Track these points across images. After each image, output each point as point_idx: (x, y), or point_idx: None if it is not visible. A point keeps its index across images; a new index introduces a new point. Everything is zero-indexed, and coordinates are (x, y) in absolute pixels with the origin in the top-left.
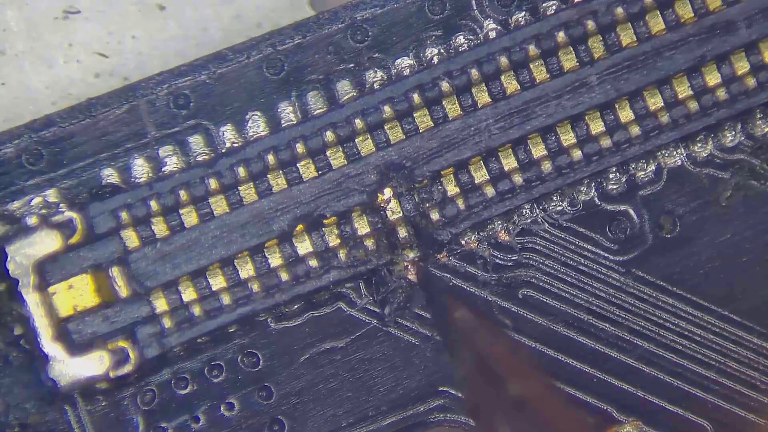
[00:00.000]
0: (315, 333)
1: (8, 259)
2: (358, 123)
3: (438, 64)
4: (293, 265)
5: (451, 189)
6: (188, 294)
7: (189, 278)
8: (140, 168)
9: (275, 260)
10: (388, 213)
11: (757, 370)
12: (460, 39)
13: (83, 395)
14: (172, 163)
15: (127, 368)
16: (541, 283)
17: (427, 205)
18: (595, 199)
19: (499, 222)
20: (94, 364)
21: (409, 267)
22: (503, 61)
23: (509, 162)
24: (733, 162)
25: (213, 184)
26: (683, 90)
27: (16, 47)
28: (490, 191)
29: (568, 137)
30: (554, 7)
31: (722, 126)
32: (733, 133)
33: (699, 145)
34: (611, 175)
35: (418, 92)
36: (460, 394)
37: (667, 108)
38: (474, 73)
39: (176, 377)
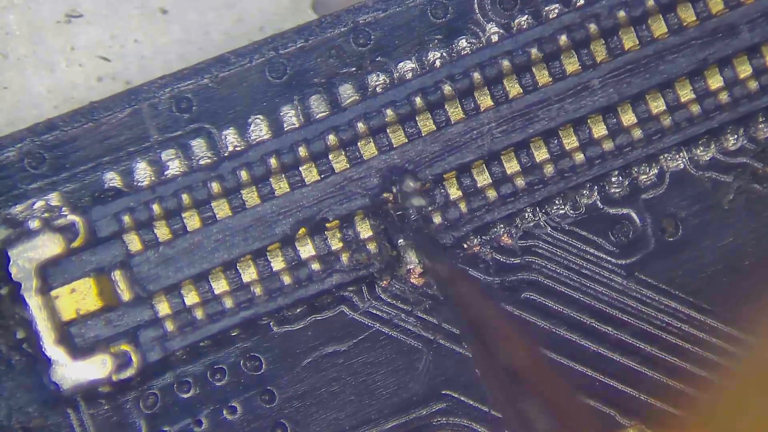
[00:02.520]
0: (317, 337)
1: (11, 262)
2: (361, 126)
3: (440, 67)
4: (296, 268)
5: (454, 192)
6: (191, 298)
7: (191, 282)
8: (143, 172)
9: (278, 264)
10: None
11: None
12: (463, 42)
13: (86, 399)
14: (175, 166)
15: (129, 372)
16: (543, 287)
17: (430, 208)
18: (598, 202)
19: (502, 225)
20: (96, 368)
21: (412, 270)
22: (505, 64)
23: (511, 165)
24: (735, 165)
25: (215, 187)
26: (686, 93)
27: (18, 51)
28: (492, 195)
29: (570, 141)
30: (557, 11)
31: (725, 129)
32: (736, 136)
33: (701, 148)
34: (614, 179)
35: (420, 96)
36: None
37: (669, 111)
38: (476, 76)
39: (179, 381)
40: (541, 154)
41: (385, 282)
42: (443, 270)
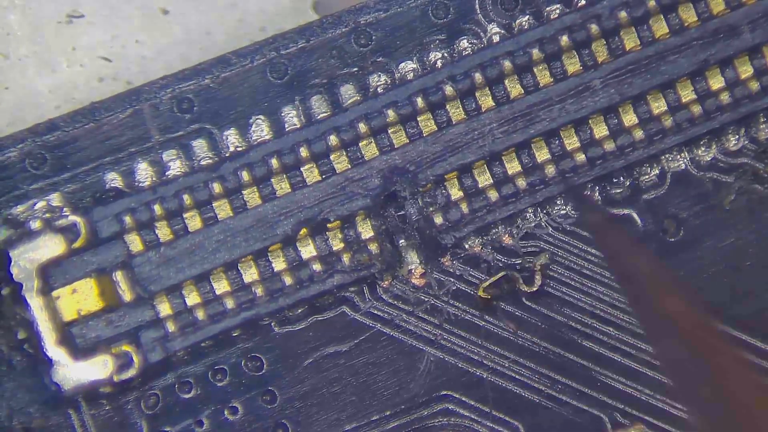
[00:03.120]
0: (319, 337)
1: (12, 263)
2: (362, 127)
3: (441, 68)
4: (297, 269)
5: (455, 193)
6: (192, 298)
7: (193, 282)
8: (144, 172)
9: (279, 264)
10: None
11: (762, 373)
12: (464, 43)
13: (87, 399)
14: (176, 167)
15: (130, 372)
16: (545, 287)
17: (431, 209)
18: (599, 203)
19: (503, 226)
20: (97, 369)
21: (414, 271)
22: (507, 65)
23: (513, 166)
24: (736, 166)
25: (217, 188)
26: (687, 94)
27: (19, 51)
28: (493, 195)
29: (571, 141)
30: (558, 11)
31: (726, 130)
32: (737, 137)
33: (703, 149)
34: (615, 179)
35: (421, 96)
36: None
37: (670, 112)
38: (477, 77)
39: (180, 381)
40: (542, 154)
41: (386, 282)
42: (594, 218)
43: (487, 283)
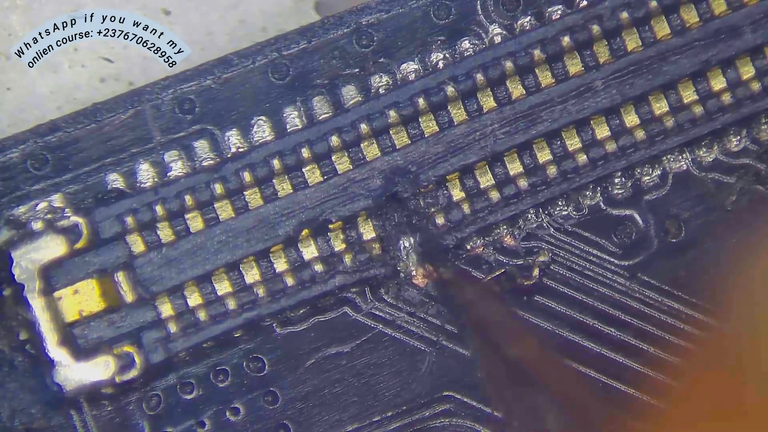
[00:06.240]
0: (320, 338)
1: (14, 263)
2: (364, 128)
3: (443, 68)
4: (299, 269)
5: (457, 194)
6: (194, 299)
7: (194, 283)
8: (145, 173)
9: (281, 265)
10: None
11: None
12: (466, 44)
13: (89, 400)
14: (178, 168)
15: (132, 373)
16: (546, 288)
17: (433, 210)
18: (601, 203)
19: (505, 227)
20: (99, 369)
21: (414, 272)
22: (508, 65)
23: (514, 167)
24: (738, 167)
25: (218, 189)
26: (688, 95)
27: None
28: (495, 196)
29: (573, 142)
30: (559, 12)
31: (727, 131)
32: (739, 137)
33: (704, 149)
34: (616, 180)
35: (423, 97)
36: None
37: (672, 113)
38: (479, 77)
39: (182, 382)
40: (543, 155)
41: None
42: (446, 272)
43: (488, 278)
